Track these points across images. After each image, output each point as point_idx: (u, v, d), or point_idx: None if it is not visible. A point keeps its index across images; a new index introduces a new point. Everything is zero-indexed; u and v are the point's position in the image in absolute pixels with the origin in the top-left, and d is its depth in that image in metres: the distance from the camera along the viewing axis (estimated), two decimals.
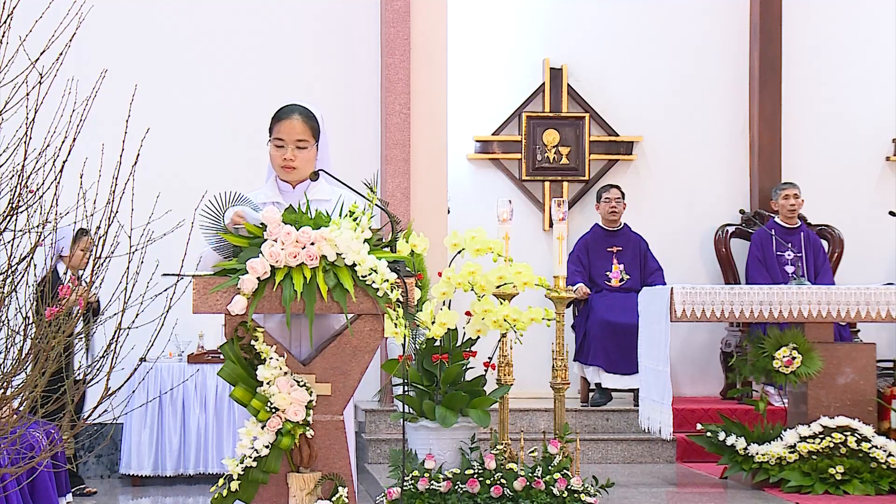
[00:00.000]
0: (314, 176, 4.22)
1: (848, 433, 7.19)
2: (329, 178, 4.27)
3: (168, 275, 4.12)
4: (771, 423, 7.60)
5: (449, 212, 9.23)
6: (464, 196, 9.80)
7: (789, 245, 9.21)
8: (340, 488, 4.79)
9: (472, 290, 6.11)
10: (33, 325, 3.45)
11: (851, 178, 10.22)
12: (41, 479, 5.82)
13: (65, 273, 7.45)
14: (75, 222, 3.53)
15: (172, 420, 8.52)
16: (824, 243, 9.72)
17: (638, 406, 8.22)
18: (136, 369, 3.82)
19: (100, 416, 3.50)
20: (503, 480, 6.05)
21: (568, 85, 10.15)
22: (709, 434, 7.50)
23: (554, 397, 6.54)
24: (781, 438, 7.26)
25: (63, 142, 3.47)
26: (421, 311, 5.89)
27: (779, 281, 9.01)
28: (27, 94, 3.40)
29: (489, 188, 9.88)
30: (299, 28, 9.39)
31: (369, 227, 4.78)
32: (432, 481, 6.01)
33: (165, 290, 3.71)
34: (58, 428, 3.59)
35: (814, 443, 7.18)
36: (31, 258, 3.48)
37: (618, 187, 9.63)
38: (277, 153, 4.17)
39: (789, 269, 9.23)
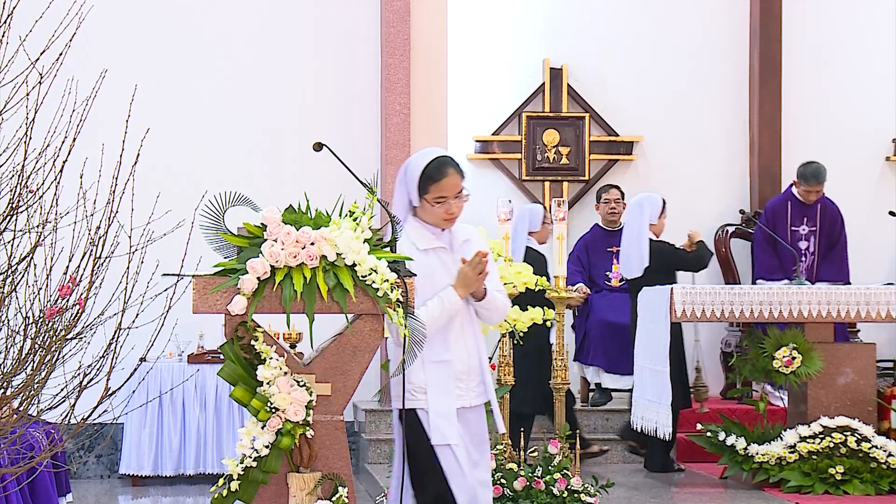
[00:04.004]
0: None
1: (848, 433, 7.19)
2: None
3: (168, 275, 4.12)
4: (771, 423, 7.60)
5: None
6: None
7: (805, 219, 9.15)
8: (340, 488, 4.79)
9: None
10: (34, 325, 3.45)
11: (851, 178, 10.21)
12: (41, 479, 5.82)
13: None
14: (75, 222, 3.53)
15: (172, 420, 8.52)
16: None
17: None
18: (136, 369, 3.82)
19: (100, 416, 3.50)
20: (503, 480, 6.05)
21: (568, 85, 10.15)
22: (709, 434, 7.50)
23: (554, 397, 6.54)
24: (781, 438, 7.26)
25: (63, 142, 3.47)
26: None
27: (787, 259, 8.91)
28: (27, 94, 3.40)
29: (489, 188, 9.88)
30: (299, 28, 9.39)
31: (369, 227, 4.78)
32: None
33: (165, 290, 3.71)
34: (57, 428, 3.59)
35: (814, 443, 7.18)
36: (31, 258, 3.48)
37: (618, 187, 9.63)
38: (440, 208, 4.27)
39: (803, 244, 9.18)
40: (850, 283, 9.08)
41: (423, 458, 4.17)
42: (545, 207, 8.80)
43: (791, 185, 9.25)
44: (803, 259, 9.13)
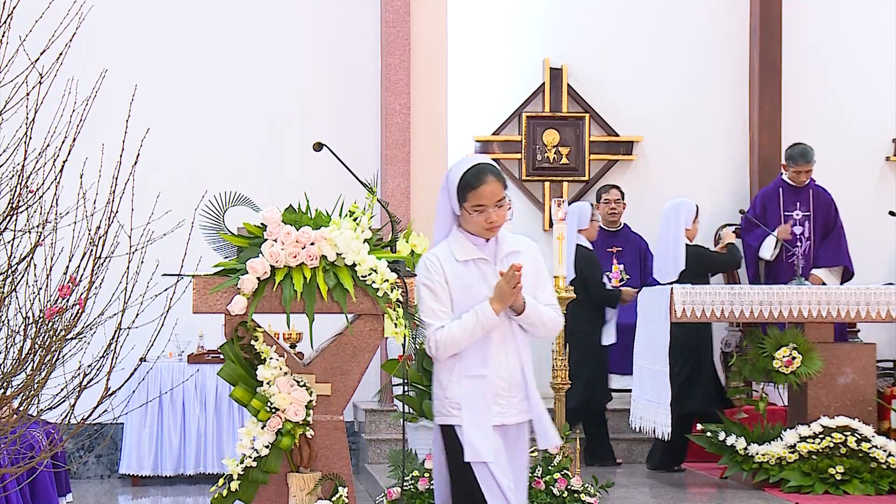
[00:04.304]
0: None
1: (848, 433, 7.19)
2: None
3: (168, 275, 4.12)
4: (771, 423, 7.60)
5: None
6: None
7: (797, 203, 9.15)
8: (340, 488, 4.79)
9: None
10: (33, 325, 3.45)
11: (851, 178, 10.21)
12: (41, 479, 5.82)
13: None
14: (75, 222, 3.53)
15: (172, 420, 8.52)
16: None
17: None
18: (136, 369, 3.82)
19: (100, 416, 3.50)
20: None
21: (568, 85, 10.15)
22: (709, 434, 7.49)
23: (554, 397, 6.54)
24: (781, 438, 7.26)
25: (63, 142, 3.47)
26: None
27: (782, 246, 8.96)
28: (27, 94, 3.40)
29: None
30: (299, 28, 9.39)
31: (369, 227, 4.79)
32: (432, 481, 6.01)
33: (165, 290, 3.71)
34: (57, 428, 3.59)
35: (814, 443, 7.18)
36: (31, 258, 3.48)
37: (618, 188, 9.63)
38: (479, 217, 4.07)
39: (798, 229, 9.17)
40: (851, 265, 9.10)
41: (458, 475, 4.06)
42: (592, 205, 8.84)
43: (781, 172, 9.27)
44: (799, 244, 9.13)
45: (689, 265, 7.99)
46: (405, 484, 5.96)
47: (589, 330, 8.34)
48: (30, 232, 3.48)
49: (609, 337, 8.48)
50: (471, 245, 4.13)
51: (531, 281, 4.11)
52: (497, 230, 4.12)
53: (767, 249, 9.14)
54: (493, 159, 10.58)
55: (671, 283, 7.85)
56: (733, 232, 8.75)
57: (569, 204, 9.76)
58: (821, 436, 7.20)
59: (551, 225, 9.00)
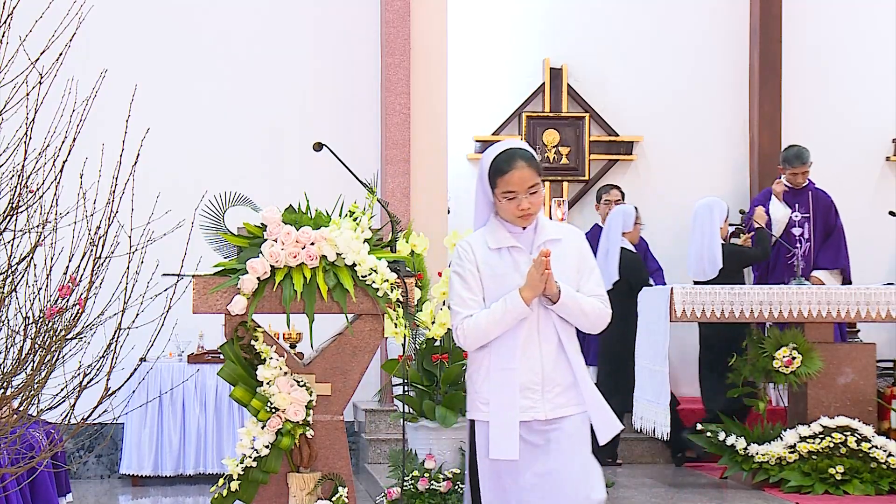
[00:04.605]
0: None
1: (848, 433, 7.19)
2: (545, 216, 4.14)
3: (168, 275, 4.12)
4: (771, 422, 7.60)
5: (449, 212, 9.23)
6: (464, 196, 9.80)
7: (796, 205, 9.14)
8: (340, 488, 4.79)
9: None
10: (33, 325, 3.45)
11: (851, 178, 10.21)
12: (41, 479, 5.82)
13: None
14: (75, 222, 3.53)
15: (172, 420, 8.52)
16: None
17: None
18: (136, 369, 3.81)
19: (100, 416, 3.50)
20: None
21: (568, 85, 10.16)
22: (709, 434, 7.49)
23: None
24: (781, 438, 7.26)
25: (63, 142, 3.47)
26: (421, 311, 5.90)
27: (781, 247, 8.97)
28: (27, 94, 3.40)
29: None
30: (299, 28, 9.38)
31: (369, 227, 4.79)
32: (432, 481, 6.01)
33: (165, 290, 3.71)
34: (57, 428, 3.59)
35: (814, 443, 7.18)
36: (31, 258, 3.48)
37: (618, 188, 9.63)
38: (510, 204, 3.93)
39: (797, 230, 9.16)
40: (849, 270, 9.10)
41: (484, 472, 3.95)
42: (636, 208, 8.89)
43: (779, 175, 9.27)
44: (798, 245, 9.13)
45: (725, 263, 8.03)
46: (405, 484, 5.96)
47: (622, 331, 8.35)
48: (30, 232, 3.48)
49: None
50: (505, 233, 3.99)
51: (571, 271, 3.96)
52: (530, 218, 3.97)
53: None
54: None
55: (708, 282, 7.90)
56: (766, 212, 8.80)
57: (569, 206, 9.80)
58: (821, 436, 7.20)
59: None
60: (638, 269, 8.48)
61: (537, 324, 3.91)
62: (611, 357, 8.43)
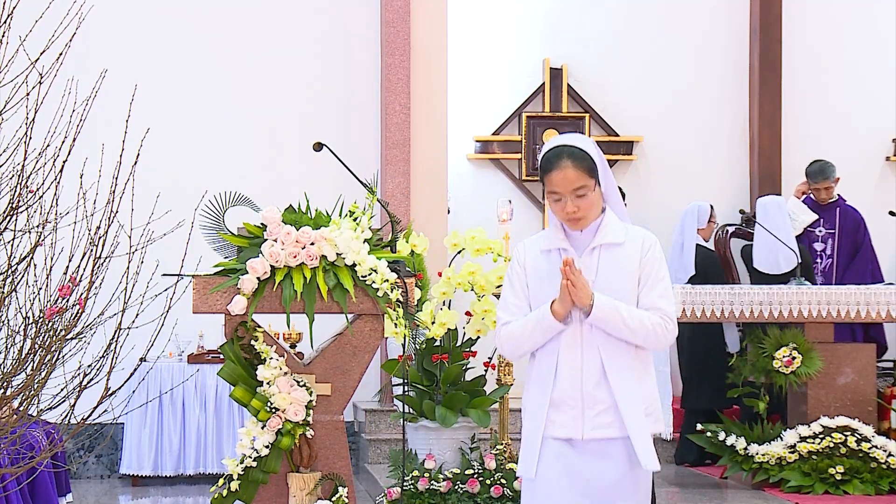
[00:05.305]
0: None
1: (848, 433, 7.19)
2: (619, 215, 3.78)
3: (168, 275, 4.12)
4: (771, 422, 7.61)
5: (449, 212, 9.23)
6: (464, 196, 9.80)
7: (821, 220, 9.13)
8: (340, 488, 4.79)
9: (472, 290, 6.11)
10: (33, 325, 3.45)
11: (851, 178, 10.21)
12: (41, 479, 5.82)
13: None
14: (75, 222, 3.53)
15: (172, 420, 8.52)
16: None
17: None
18: (136, 369, 3.81)
19: (100, 416, 3.50)
20: (503, 480, 6.05)
21: (568, 85, 10.15)
22: (709, 434, 7.50)
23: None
24: (781, 438, 7.26)
25: (63, 142, 3.47)
26: (421, 311, 5.90)
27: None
28: (27, 94, 3.40)
29: (489, 188, 9.88)
30: (299, 28, 9.38)
31: (369, 227, 4.79)
32: (432, 481, 6.01)
33: (165, 290, 3.71)
34: (57, 428, 3.59)
35: (814, 443, 7.18)
36: (31, 258, 3.48)
37: (618, 188, 9.62)
38: (557, 206, 3.61)
39: (819, 245, 9.15)
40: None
41: (522, 488, 3.74)
42: (711, 206, 8.96)
43: (809, 193, 9.25)
44: (818, 260, 9.12)
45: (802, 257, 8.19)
46: (405, 484, 5.96)
47: (709, 331, 8.43)
48: (30, 232, 3.48)
49: (733, 344, 8.46)
50: (560, 234, 3.68)
51: (625, 280, 3.61)
52: (581, 223, 3.63)
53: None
54: (493, 159, 10.60)
55: (782, 274, 7.97)
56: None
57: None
58: (821, 436, 7.20)
59: None
60: (713, 265, 8.69)
61: (580, 336, 3.59)
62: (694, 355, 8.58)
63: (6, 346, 3.49)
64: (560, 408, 3.57)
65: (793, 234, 8.24)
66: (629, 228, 3.71)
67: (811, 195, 9.13)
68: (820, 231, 9.14)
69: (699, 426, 7.70)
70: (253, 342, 4.80)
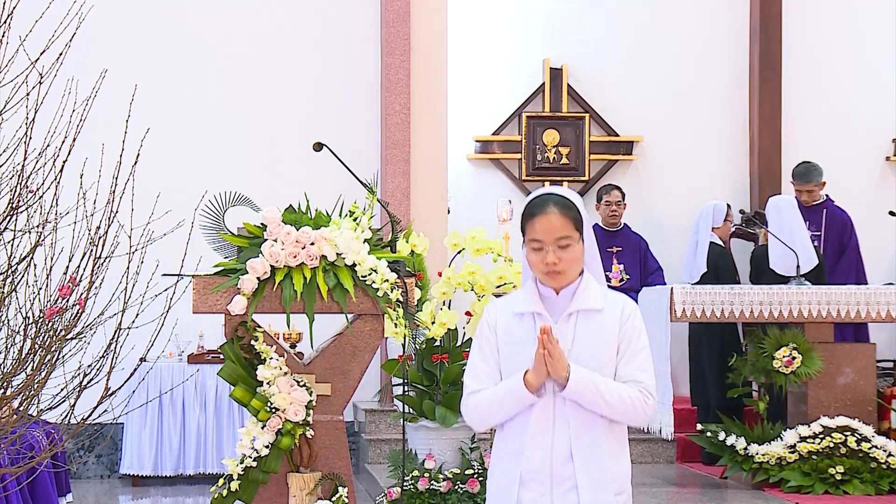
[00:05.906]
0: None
1: (848, 433, 7.19)
2: (595, 278, 3.48)
3: (168, 275, 4.12)
4: (771, 422, 7.61)
5: (449, 212, 9.23)
6: (464, 196, 9.80)
7: (807, 223, 9.11)
8: (340, 488, 4.79)
9: (472, 290, 6.11)
10: (33, 325, 3.45)
11: (851, 178, 10.21)
12: (41, 479, 5.82)
13: None
14: (75, 222, 3.53)
15: (172, 420, 8.52)
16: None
17: None
18: (136, 369, 3.82)
19: (100, 416, 3.50)
20: None
21: (568, 85, 10.16)
22: (709, 434, 7.50)
23: None
24: (781, 438, 7.26)
25: (63, 142, 3.47)
26: (421, 311, 5.89)
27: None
28: (27, 94, 3.40)
29: (489, 188, 9.89)
30: (299, 28, 9.39)
31: (369, 227, 4.79)
32: (432, 481, 6.01)
33: (165, 290, 3.71)
34: (57, 428, 3.59)
35: (814, 443, 7.18)
36: (31, 258, 3.48)
37: (618, 188, 9.63)
38: (536, 257, 3.34)
39: None
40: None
41: None
42: (728, 205, 9.00)
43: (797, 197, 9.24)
44: None
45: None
46: (405, 484, 5.96)
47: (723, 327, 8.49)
48: (30, 232, 3.49)
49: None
50: (535, 297, 3.41)
51: (604, 350, 3.36)
52: (559, 278, 3.36)
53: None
54: (493, 159, 10.62)
55: (799, 276, 7.97)
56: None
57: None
58: (821, 436, 7.20)
59: None
60: (725, 263, 8.73)
61: (552, 410, 3.34)
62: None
63: (6, 346, 3.49)
64: (528, 485, 3.36)
65: (807, 234, 8.22)
66: (608, 294, 3.46)
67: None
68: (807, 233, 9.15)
69: (699, 426, 7.71)
70: (253, 342, 4.80)
